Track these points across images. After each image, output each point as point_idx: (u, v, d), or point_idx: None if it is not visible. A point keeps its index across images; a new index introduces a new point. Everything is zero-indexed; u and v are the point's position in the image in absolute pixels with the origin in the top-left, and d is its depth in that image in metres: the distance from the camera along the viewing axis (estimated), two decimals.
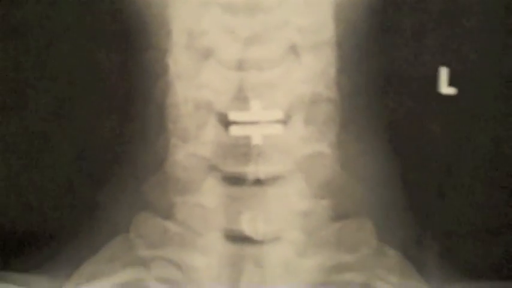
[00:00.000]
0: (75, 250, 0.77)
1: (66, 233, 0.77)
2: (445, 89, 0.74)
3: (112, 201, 0.76)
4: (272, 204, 0.76)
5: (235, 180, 0.75)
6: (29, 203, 0.77)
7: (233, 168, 0.75)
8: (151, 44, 0.74)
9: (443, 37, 0.74)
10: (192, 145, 0.75)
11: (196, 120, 0.75)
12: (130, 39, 0.74)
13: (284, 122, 0.75)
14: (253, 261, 0.77)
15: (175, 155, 0.76)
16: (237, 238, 0.76)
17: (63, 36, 0.74)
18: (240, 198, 0.76)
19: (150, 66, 0.74)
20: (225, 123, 0.75)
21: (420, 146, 0.75)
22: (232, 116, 0.74)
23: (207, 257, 0.77)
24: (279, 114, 0.74)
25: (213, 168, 0.76)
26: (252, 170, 0.75)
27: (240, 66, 0.74)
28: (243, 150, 0.75)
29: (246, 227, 0.76)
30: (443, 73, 0.74)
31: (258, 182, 0.75)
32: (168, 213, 0.77)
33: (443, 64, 0.74)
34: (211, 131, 0.75)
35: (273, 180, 0.75)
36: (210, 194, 0.76)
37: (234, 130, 0.74)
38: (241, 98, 0.74)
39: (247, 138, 0.75)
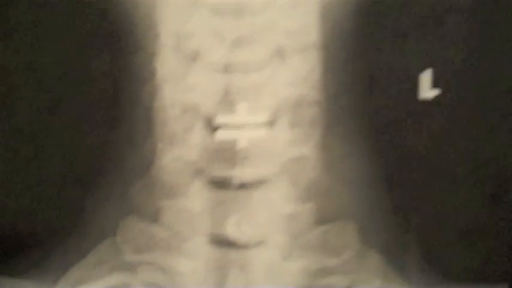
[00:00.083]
0: (63, 255, 0.77)
1: (53, 237, 0.77)
2: (428, 91, 0.74)
3: (99, 205, 0.76)
4: (257, 208, 0.76)
5: (221, 184, 0.76)
6: (16, 208, 0.77)
7: (219, 172, 0.75)
8: (139, 46, 0.74)
9: (426, 40, 0.74)
10: (178, 149, 0.75)
11: (183, 123, 0.75)
12: (118, 42, 0.74)
13: (270, 124, 0.75)
14: (239, 265, 0.77)
15: (162, 158, 0.76)
16: (223, 242, 0.76)
17: (51, 39, 0.74)
18: (225, 202, 0.76)
19: (137, 69, 0.74)
20: (212, 126, 0.75)
21: (404, 149, 0.76)
22: (219, 119, 0.74)
23: (193, 261, 0.77)
24: (264, 117, 0.75)
25: (199, 172, 0.76)
26: (237, 174, 0.75)
27: (227, 68, 0.74)
28: (229, 154, 0.75)
29: (231, 231, 0.76)
30: (427, 75, 0.74)
31: (244, 185, 0.76)
32: (154, 217, 0.77)
33: (427, 67, 0.74)
34: (198, 135, 0.75)
35: (258, 183, 0.76)
36: (196, 198, 0.76)
37: (220, 134, 0.75)
38: (227, 101, 0.74)
39: (233, 142, 0.75)
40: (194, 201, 0.76)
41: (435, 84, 0.74)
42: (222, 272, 0.77)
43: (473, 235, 0.77)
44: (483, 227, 0.77)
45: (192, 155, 0.76)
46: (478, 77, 0.75)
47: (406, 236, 0.77)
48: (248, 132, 0.75)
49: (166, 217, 0.77)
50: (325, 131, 0.76)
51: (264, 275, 0.77)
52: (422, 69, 0.74)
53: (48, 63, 0.75)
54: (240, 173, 0.75)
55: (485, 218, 0.77)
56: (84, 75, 0.75)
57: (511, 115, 0.76)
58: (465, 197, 0.77)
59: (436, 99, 0.75)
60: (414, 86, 0.75)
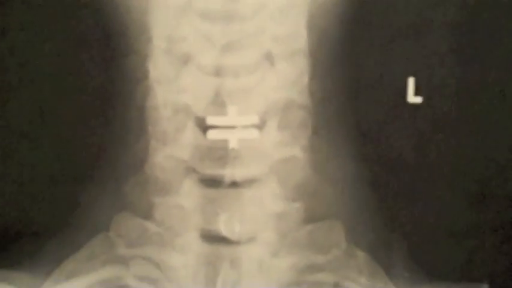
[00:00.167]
0: (57, 248, 0.77)
1: (47, 231, 0.77)
2: (412, 97, 0.75)
3: (93, 201, 0.77)
4: (247, 206, 0.77)
5: (212, 182, 0.76)
6: (11, 202, 0.77)
7: (210, 170, 0.76)
8: (132, 49, 0.74)
9: (410, 48, 0.75)
10: (171, 148, 0.76)
11: (175, 123, 0.76)
12: (112, 45, 0.74)
13: (259, 126, 0.76)
14: (229, 260, 0.77)
15: (154, 157, 0.76)
16: (214, 238, 0.77)
17: (46, 41, 0.75)
18: (216, 199, 0.77)
19: (131, 70, 0.75)
20: (203, 127, 0.75)
21: (389, 151, 0.76)
22: (210, 120, 0.75)
23: (185, 256, 0.78)
24: (254, 119, 0.75)
25: (191, 170, 0.76)
26: (228, 173, 0.76)
27: (218, 72, 0.75)
28: (220, 153, 0.76)
29: (223, 227, 0.77)
30: (410, 83, 0.75)
31: (234, 184, 0.76)
32: (147, 214, 0.77)
33: (411, 73, 0.75)
34: (190, 135, 0.76)
35: (249, 182, 0.76)
36: (188, 195, 0.77)
37: (212, 134, 0.75)
38: (218, 103, 0.75)
39: (224, 141, 0.76)
40: (186, 199, 0.77)
41: (419, 89, 0.75)
42: (213, 267, 0.78)
43: (456, 235, 0.78)
44: (466, 228, 0.78)
45: (184, 153, 0.76)
46: (458, 84, 0.76)
47: (391, 235, 0.77)
48: (238, 133, 0.75)
49: (158, 213, 0.77)
50: (313, 133, 0.76)
51: (253, 270, 0.78)
52: (406, 75, 0.75)
53: (45, 64, 0.75)
54: (231, 172, 0.76)
55: (469, 218, 0.78)
56: (80, 76, 0.75)
57: (493, 118, 0.76)
58: (449, 198, 0.77)
59: (420, 103, 0.75)
60: (398, 91, 0.75)
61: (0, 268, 0.77)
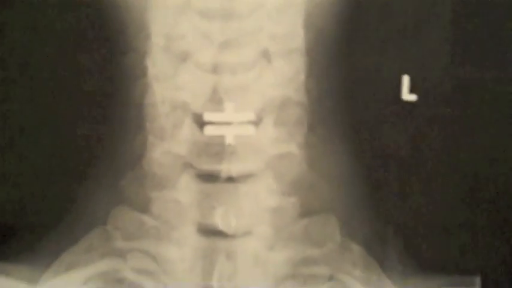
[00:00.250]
0: (55, 241, 0.77)
1: (46, 224, 0.77)
2: (406, 95, 0.76)
3: (91, 195, 0.77)
4: (243, 201, 0.77)
5: (209, 177, 0.77)
6: (9, 196, 0.77)
7: (207, 166, 0.76)
8: (130, 46, 0.75)
9: (405, 46, 0.76)
10: (168, 143, 0.76)
11: (172, 119, 0.76)
12: (111, 42, 0.75)
13: (256, 123, 0.76)
14: (225, 254, 0.78)
15: (152, 152, 0.76)
16: (210, 232, 0.77)
17: (45, 38, 0.75)
18: (213, 194, 0.77)
19: (129, 67, 0.75)
20: (200, 123, 0.76)
21: (384, 148, 0.77)
22: (207, 116, 0.75)
23: (181, 250, 0.78)
24: (251, 116, 0.76)
25: (188, 165, 0.77)
26: (225, 168, 0.76)
27: (215, 69, 0.75)
28: (217, 149, 0.76)
29: (219, 221, 0.77)
30: (405, 80, 0.75)
31: (231, 179, 0.77)
32: (144, 208, 0.78)
33: (406, 71, 0.76)
34: (187, 130, 0.76)
35: (245, 177, 0.77)
36: (185, 190, 0.77)
37: (209, 130, 0.76)
38: (215, 100, 0.75)
39: (221, 137, 0.76)
40: (183, 193, 0.77)
41: (414, 87, 0.75)
42: (209, 260, 0.78)
43: (449, 229, 0.78)
44: (459, 222, 0.78)
45: (181, 149, 0.77)
46: (455, 80, 0.76)
47: (385, 229, 0.78)
48: (235, 129, 0.76)
49: (156, 208, 0.77)
50: (308, 130, 0.77)
51: (249, 263, 0.78)
52: (401, 73, 0.76)
53: (44, 62, 0.75)
54: (228, 168, 0.76)
55: (461, 213, 0.78)
56: (79, 74, 0.75)
57: (487, 116, 0.77)
58: (442, 193, 0.78)
59: (415, 101, 0.76)
60: (393, 89, 0.76)
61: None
